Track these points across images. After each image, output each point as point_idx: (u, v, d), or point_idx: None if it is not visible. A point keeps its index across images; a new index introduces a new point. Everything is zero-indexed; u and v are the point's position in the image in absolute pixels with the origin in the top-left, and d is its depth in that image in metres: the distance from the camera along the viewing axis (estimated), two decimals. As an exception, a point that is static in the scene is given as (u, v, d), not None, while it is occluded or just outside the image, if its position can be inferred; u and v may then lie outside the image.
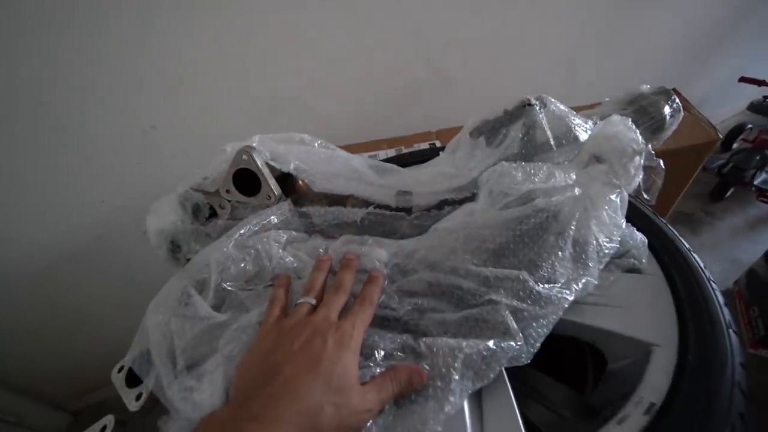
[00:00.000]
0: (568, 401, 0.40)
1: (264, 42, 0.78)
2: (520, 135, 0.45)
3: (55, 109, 0.70)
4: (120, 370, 0.45)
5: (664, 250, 0.42)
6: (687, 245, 0.42)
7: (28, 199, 0.79)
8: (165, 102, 0.77)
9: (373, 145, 0.88)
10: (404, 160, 0.64)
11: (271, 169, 0.46)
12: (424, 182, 0.47)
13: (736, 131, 1.62)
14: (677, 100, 0.51)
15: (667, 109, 0.49)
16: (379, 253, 0.36)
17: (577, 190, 0.39)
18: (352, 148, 0.87)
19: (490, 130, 0.46)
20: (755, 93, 1.49)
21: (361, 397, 0.25)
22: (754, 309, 1.16)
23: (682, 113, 0.52)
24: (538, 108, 0.44)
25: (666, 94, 0.50)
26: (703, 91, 1.70)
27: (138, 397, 0.40)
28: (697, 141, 0.77)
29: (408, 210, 0.45)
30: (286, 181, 0.48)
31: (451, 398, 0.27)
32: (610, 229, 0.38)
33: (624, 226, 0.40)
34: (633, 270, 0.41)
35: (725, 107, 1.88)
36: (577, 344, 0.41)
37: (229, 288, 0.36)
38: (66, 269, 0.91)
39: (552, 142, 0.43)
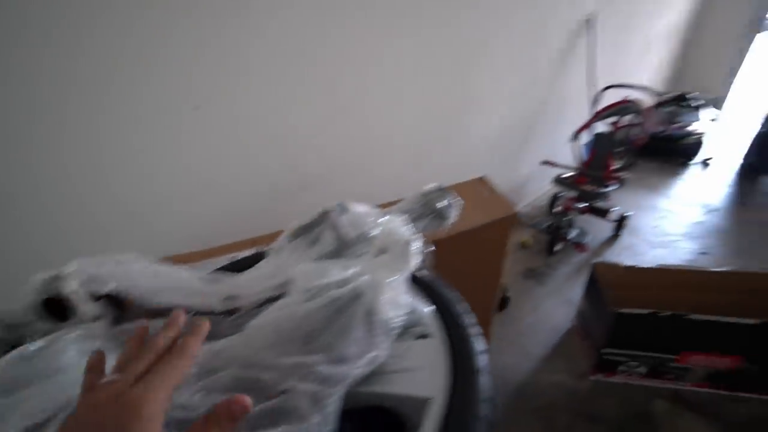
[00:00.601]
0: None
1: (119, 147, 0.81)
2: (330, 235, 0.55)
3: None
4: None
5: (445, 314, 0.53)
6: (460, 309, 0.54)
7: None
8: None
9: (237, 245, 0.92)
10: (256, 260, 0.70)
11: (91, 291, 0.47)
12: (250, 284, 0.53)
13: (553, 199, 2.09)
14: (451, 195, 0.68)
15: (441, 204, 0.65)
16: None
17: (366, 277, 0.48)
18: (213, 251, 0.90)
19: (305, 233, 0.56)
20: (560, 170, 1.97)
21: None
22: (587, 342, 1.40)
23: (458, 205, 0.68)
24: (337, 213, 0.55)
25: (441, 191, 0.67)
26: (528, 169, 2.18)
27: None
28: (499, 216, 0.98)
29: (232, 312, 0.50)
30: (111, 300, 0.49)
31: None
32: (396, 306, 0.48)
33: (410, 301, 0.50)
34: (424, 336, 0.51)
35: (548, 180, 2.42)
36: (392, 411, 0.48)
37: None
38: None
39: (351, 240, 0.54)
